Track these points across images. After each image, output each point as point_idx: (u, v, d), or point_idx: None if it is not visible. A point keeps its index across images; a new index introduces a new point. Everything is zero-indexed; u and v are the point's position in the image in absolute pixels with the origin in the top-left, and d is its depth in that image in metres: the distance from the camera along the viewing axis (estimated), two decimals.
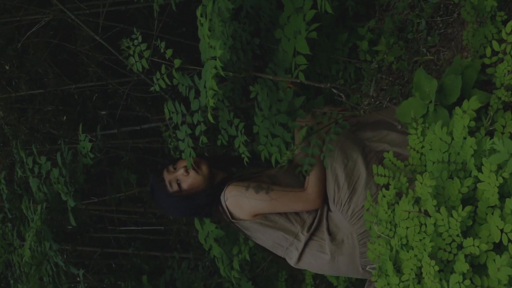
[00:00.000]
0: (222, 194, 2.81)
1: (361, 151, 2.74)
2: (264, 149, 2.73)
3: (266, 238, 2.84)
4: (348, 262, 2.74)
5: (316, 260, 2.80)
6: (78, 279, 4.06)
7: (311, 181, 2.74)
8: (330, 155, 2.66)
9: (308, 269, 2.99)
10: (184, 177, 2.85)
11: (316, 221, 2.79)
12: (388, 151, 2.41)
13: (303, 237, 2.78)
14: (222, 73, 2.26)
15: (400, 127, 2.64)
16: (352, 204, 2.70)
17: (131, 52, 2.62)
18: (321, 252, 2.77)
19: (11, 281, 4.29)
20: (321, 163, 2.70)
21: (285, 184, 2.81)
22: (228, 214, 2.82)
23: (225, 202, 2.80)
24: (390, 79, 3.25)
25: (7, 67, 5.16)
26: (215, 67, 2.23)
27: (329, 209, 2.80)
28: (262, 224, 2.81)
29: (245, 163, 2.71)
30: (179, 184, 2.86)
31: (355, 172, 2.70)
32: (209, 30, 2.31)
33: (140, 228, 5.39)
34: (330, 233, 2.77)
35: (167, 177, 2.88)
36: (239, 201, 2.77)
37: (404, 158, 2.41)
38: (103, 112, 5.37)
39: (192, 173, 2.85)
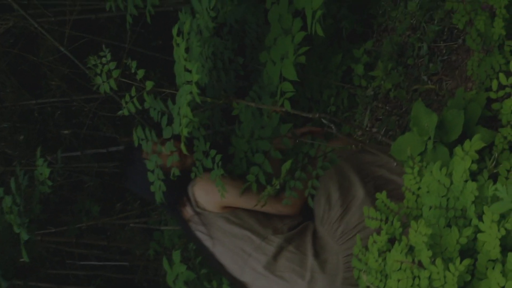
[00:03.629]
0: (191, 182, 2.82)
1: (358, 173, 2.76)
2: (237, 168, 2.75)
3: (228, 241, 2.79)
4: (327, 284, 2.72)
5: (290, 275, 2.75)
6: None
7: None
8: (314, 192, 2.68)
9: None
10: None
11: (296, 231, 2.79)
12: (386, 178, 2.42)
13: (276, 240, 2.75)
14: (198, 99, 2.27)
15: (395, 164, 2.67)
16: (342, 224, 2.71)
17: (98, 71, 2.63)
18: (300, 267, 2.73)
19: None
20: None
21: None
22: (194, 202, 2.81)
23: (192, 188, 2.80)
24: (387, 108, 3.28)
25: None
26: (191, 93, 2.25)
27: (315, 228, 2.80)
28: (228, 220, 2.78)
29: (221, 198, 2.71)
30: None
31: (351, 192, 2.73)
32: (186, 51, 2.33)
33: (103, 263, 5.36)
34: (314, 249, 2.75)
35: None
36: (210, 186, 2.75)
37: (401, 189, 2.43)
38: (66, 132, 5.35)
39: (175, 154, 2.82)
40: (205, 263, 3.43)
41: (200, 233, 2.85)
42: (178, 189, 2.84)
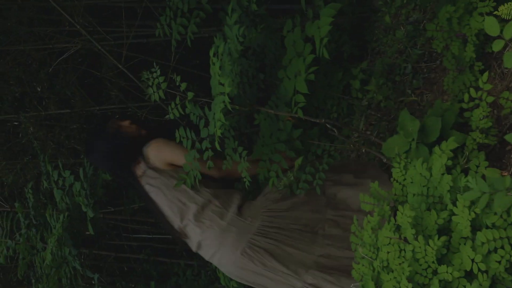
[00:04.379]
0: (146, 145, 2.86)
1: None
2: (262, 174, 2.75)
3: (169, 192, 2.79)
4: (237, 238, 2.70)
5: (211, 222, 2.74)
6: (93, 282, 4.06)
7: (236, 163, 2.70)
8: (321, 183, 2.68)
9: (195, 234, 2.82)
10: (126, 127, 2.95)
11: (224, 191, 2.81)
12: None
13: (206, 194, 2.76)
14: (229, 107, 2.28)
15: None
16: (278, 203, 2.76)
17: (150, 83, 2.65)
18: (219, 218, 2.73)
19: (33, 281, 4.29)
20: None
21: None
22: (146, 159, 2.84)
23: (146, 148, 2.84)
24: (378, 115, 3.27)
25: (39, 89, 5.19)
26: (224, 102, 2.25)
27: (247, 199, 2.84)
28: (171, 176, 2.80)
29: (246, 186, 2.71)
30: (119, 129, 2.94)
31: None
32: (220, 68, 2.33)
33: (151, 236, 5.38)
34: (239, 209, 2.77)
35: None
36: (162, 146, 2.82)
37: None
38: None
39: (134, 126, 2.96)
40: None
41: (148, 186, 2.84)
42: (136, 151, 2.87)
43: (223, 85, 2.28)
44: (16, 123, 5.40)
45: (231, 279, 3.50)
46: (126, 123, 2.98)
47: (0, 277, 5.50)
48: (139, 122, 3.08)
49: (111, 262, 5.41)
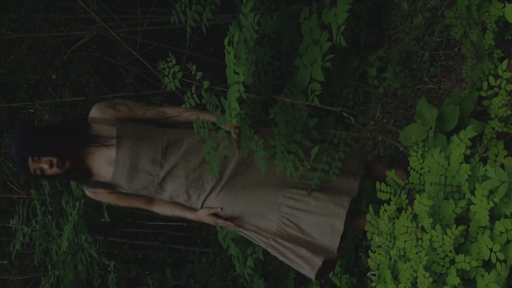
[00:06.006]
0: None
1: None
2: (280, 166, 2.74)
3: None
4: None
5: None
6: (109, 269, 4.10)
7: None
8: (337, 172, 2.68)
9: None
10: (47, 169, 2.65)
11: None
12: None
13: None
14: (244, 96, 2.28)
15: None
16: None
17: (166, 73, 2.65)
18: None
19: (49, 266, 4.34)
20: None
21: None
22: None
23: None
24: (395, 103, 3.26)
25: (54, 76, 5.23)
26: (239, 91, 2.25)
27: None
28: None
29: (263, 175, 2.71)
30: (42, 171, 2.66)
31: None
32: (235, 57, 2.33)
33: (166, 223, 5.42)
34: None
35: (31, 164, 2.65)
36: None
37: None
38: None
39: (55, 168, 2.65)
40: None
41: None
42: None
43: (238, 74, 2.28)
44: (31, 111, 5.44)
45: (246, 267, 3.52)
46: (56, 169, 2.66)
47: (16, 263, 5.57)
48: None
49: (126, 249, 5.46)
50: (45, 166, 2.63)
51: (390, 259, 2.20)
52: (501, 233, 1.84)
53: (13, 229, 4.53)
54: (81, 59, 5.19)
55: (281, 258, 2.75)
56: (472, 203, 1.93)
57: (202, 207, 2.78)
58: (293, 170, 2.68)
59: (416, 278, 2.01)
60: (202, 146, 2.74)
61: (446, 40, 3.02)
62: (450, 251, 1.94)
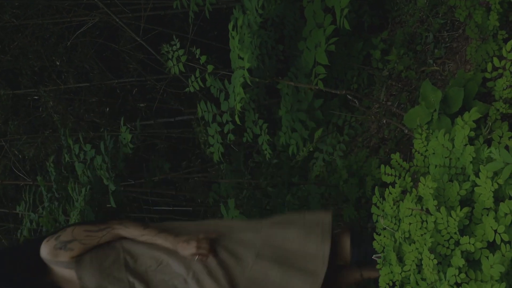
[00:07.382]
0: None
1: None
2: (283, 137, 2.75)
3: None
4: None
5: None
6: None
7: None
8: (342, 154, 2.68)
9: None
10: None
11: None
12: None
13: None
14: (249, 82, 2.29)
15: None
16: None
17: (170, 57, 2.66)
18: None
19: None
20: None
21: None
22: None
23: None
24: (399, 85, 3.25)
25: (58, 63, 5.23)
26: (243, 76, 2.26)
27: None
28: None
29: (267, 158, 2.73)
30: None
31: None
32: (239, 42, 2.34)
33: (171, 208, 5.44)
34: None
35: None
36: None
37: None
38: (142, 105, 5.43)
39: None
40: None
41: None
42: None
43: (242, 59, 2.28)
44: (35, 97, 5.45)
45: None
46: None
47: None
48: None
49: None
50: None
51: (395, 242, 2.21)
52: (506, 214, 1.85)
53: (20, 215, 4.56)
54: (84, 45, 5.19)
55: None
56: (476, 185, 1.94)
57: None
58: (295, 148, 2.67)
59: (421, 260, 2.03)
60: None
61: (450, 21, 3.00)
62: (455, 233, 1.95)
